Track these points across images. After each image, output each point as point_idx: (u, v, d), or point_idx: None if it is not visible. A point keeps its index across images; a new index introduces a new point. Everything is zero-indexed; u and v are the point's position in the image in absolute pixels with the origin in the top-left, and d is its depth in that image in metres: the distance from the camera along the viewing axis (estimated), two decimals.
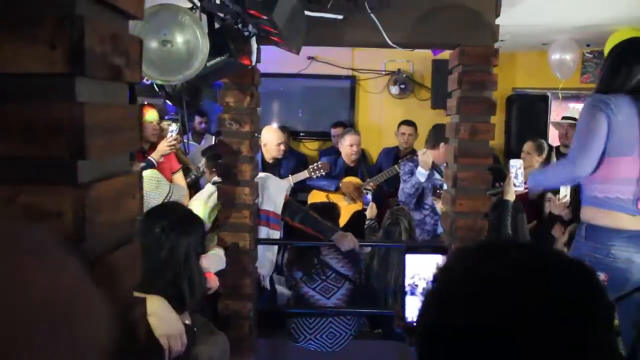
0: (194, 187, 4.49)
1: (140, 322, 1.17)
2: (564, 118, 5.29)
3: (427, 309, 0.80)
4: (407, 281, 1.31)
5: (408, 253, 1.34)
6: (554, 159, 4.99)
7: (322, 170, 4.85)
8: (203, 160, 4.64)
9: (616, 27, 4.91)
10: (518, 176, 3.44)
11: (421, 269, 1.31)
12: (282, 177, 4.67)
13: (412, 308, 1.32)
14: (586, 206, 2.52)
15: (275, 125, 5.94)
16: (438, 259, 1.33)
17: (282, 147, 4.87)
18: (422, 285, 1.31)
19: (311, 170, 4.84)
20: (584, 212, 2.53)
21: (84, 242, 0.91)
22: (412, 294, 1.31)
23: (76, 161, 0.90)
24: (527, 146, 4.84)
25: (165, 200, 2.94)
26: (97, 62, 0.92)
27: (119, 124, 1.05)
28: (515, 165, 3.45)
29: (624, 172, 2.38)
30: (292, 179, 4.77)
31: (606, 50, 5.06)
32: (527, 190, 3.60)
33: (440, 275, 0.81)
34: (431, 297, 0.80)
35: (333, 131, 6.14)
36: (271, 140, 4.80)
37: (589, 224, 2.48)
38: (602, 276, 2.35)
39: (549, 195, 3.86)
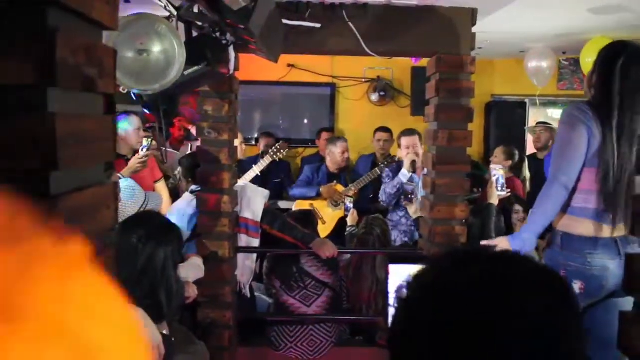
0: (174, 195, 4.47)
1: None
2: (538, 124, 5.37)
3: (398, 317, 0.79)
4: (391, 291, 1.31)
5: (392, 263, 1.33)
6: (526, 170, 5.04)
7: (283, 151, 4.92)
8: (179, 169, 4.62)
9: (591, 36, 5.00)
10: (499, 180, 3.49)
11: (405, 276, 1.31)
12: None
13: None
14: (562, 214, 2.50)
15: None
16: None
17: (242, 147, 4.98)
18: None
19: (272, 153, 4.88)
20: (558, 221, 2.51)
21: None
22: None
23: (49, 172, 0.89)
24: (497, 151, 4.92)
25: (141, 209, 2.92)
26: (70, 73, 0.92)
27: (93, 135, 1.04)
28: (497, 171, 3.50)
29: (589, 183, 2.40)
30: (257, 169, 4.78)
31: (582, 58, 5.16)
32: (509, 195, 3.65)
33: (411, 284, 0.80)
34: (402, 306, 0.79)
35: (323, 135, 6.10)
36: None
37: (565, 232, 2.47)
38: (578, 284, 2.36)
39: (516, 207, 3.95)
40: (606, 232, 2.39)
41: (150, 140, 4.15)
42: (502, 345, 0.67)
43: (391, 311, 1.31)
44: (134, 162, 3.93)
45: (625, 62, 2.34)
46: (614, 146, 2.33)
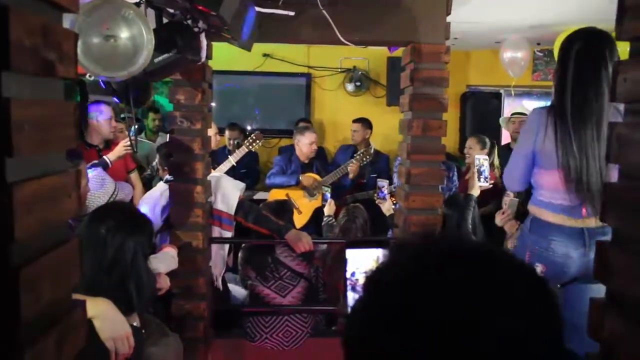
0: (148, 186, 4.43)
1: (79, 325, 1.13)
2: (513, 114, 5.41)
3: (362, 308, 0.71)
4: (348, 276, 1.30)
5: (348, 248, 1.32)
6: (495, 155, 5.07)
7: (258, 141, 4.91)
8: (157, 157, 4.59)
9: (565, 27, 5.03)
10: (483, 172, 3.47)
11: (361, 263, 1.30)
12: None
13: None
14: (533, 205, 2.57)
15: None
16: (379, 252, 1.31)
17: (214, 139, 4.87)
18: (362, 279, 1.30)
19: (248, 144, 4.87)
20: (530, 208, 2.59)
21: (12, 244, 0.87)
22: (353, 289, 1.30)
23: (3, 159, 0.86)
24: (469, 141, 4.98)
25: (111, 200, 2.88)
26: (26, 56, 0.88)
27: (53, 121, 1.01)
28: (481, 161, 3.49)
29: (549, 183, 2.46)
30: (233, 159, 4.77)
31: (555, 49, 5.20)
32: (492, 186, 3.65)
33: (373, 280, 0.72)
34: (367, 297, 0.71)
35: (301, 124, 6.09)
36: None
37: (535, 217, 2.54)
38: (540, 267, 2.45)
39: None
40: (574, 222, 2.43)
41: (136, 126, 4.14)
42: (476, 353, 0.61)
43: (350, 296, 1.30)
44: (120, 147, 3.95)
45: (580, 47, 2.36)
46: (571, 139, 2.35)
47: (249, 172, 5.58)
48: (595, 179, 2.34)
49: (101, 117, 4.10)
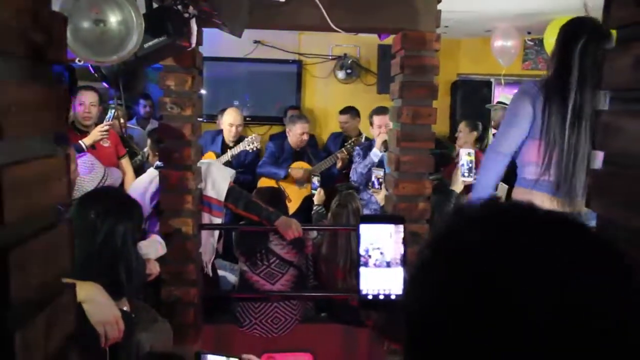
0: (139, 172, 4.42)
1: (68, 309, 1.14)
2: (497, 103, 5.46)
3: (416, 289, 0.66)
4: (362, 252, 1.31)
5: (362, 223, 1.33)
6: (490, 138, 5.10)
7: (256, 143, 4.96)
8: (149, 143, 4.58)
9: (556, 16, 5.04)
10: (463, 166, 3.45)
11: (375, 239, 1.30)
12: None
13: (366, 280, 1.32)
14: (518, 187, 2.57)
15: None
16: (391, 229, 1.32)
17: (234, 129, 5.06)
18: (375, 256, 1.31)
19: (247, 143, 4.89)
20: (514, 193, 2.59)
21: (1, 227, 0.87)
22: (365, 265, 1.31)
23: None
24: (461, 125, 5.01)
25: (100, 185, 2.88)
26: (14, 38, 0.88)
27: (41, 104, 1.00)
28: (463, 155, 3.46)
29: (535, 156, 2.46)
30: (227, 155, 4.80)
31: (546, 39, 5.21)
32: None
33: (443, 246, 0.66)
34: (425, 272, 0.66)
35: (289, 112, 6.08)
36: (224, 120, 5.09)
37: None
38: None
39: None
40: (560, 207, 2.42)
41: (114, 111, 4.13)
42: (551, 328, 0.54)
43: (362, 272, 1.31)
44: (96, 131, 3.94)
45: (586, 42, 2.35)
46: (566, 126, 2.36)
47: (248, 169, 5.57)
48: (579, 177, 2.38)
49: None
